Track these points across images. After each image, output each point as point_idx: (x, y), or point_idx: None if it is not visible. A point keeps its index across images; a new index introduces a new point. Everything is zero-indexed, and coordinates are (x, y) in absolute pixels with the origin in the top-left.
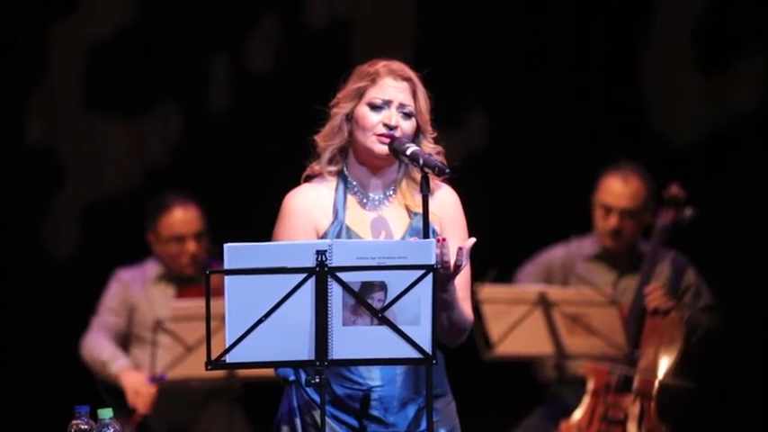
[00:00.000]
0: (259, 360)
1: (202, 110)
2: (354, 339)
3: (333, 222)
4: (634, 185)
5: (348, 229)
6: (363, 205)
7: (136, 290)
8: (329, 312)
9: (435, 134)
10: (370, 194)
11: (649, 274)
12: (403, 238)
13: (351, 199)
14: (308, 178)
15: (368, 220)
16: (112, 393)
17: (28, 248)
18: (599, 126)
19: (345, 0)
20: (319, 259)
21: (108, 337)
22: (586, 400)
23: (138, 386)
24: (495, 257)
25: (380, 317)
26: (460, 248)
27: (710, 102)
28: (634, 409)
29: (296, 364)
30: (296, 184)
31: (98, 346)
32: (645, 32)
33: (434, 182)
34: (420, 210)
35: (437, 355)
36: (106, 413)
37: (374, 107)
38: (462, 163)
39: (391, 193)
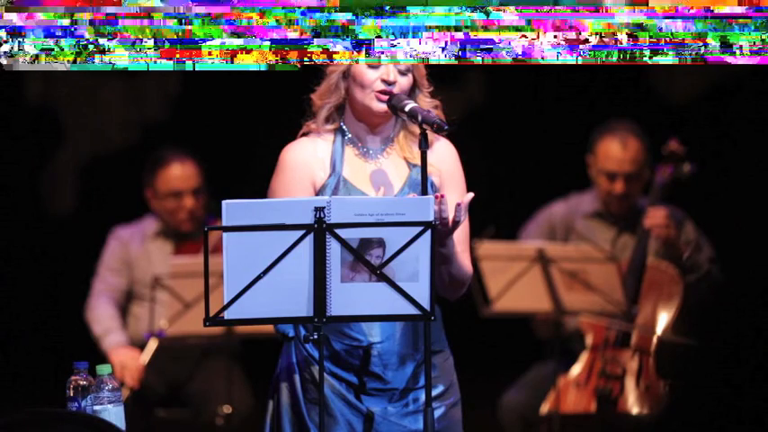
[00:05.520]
0: (257, 317)
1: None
2: (353, 296)
3: (330, 175)
4: (633, 148)
5: (346, 181)
6: (361, 156)
7: (134, 247)
8: (327, 269)
9: (432, 88)
10: (368, 146)
11: (647, 233)
12: (402, 190)
13: (349, 151)
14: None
15: (367, 173)
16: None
17: (27, 205)
18: (598, 81)
19: None
20: (318, 216)
21: (108, 302)
22: (585, 356)
23: (125, 361)
24: (493, 214)
25: (379, 273)
26: (458, 204)
27: None
28: (632, 365)
29: (294, 321)
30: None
31: (95, 317)
32: None
33: (432, 135)
34: (419, 162)
35: (435, 311)
36: (105, 369)
37: (371, 64)
38: (460, 118)
39: (389, 145)
